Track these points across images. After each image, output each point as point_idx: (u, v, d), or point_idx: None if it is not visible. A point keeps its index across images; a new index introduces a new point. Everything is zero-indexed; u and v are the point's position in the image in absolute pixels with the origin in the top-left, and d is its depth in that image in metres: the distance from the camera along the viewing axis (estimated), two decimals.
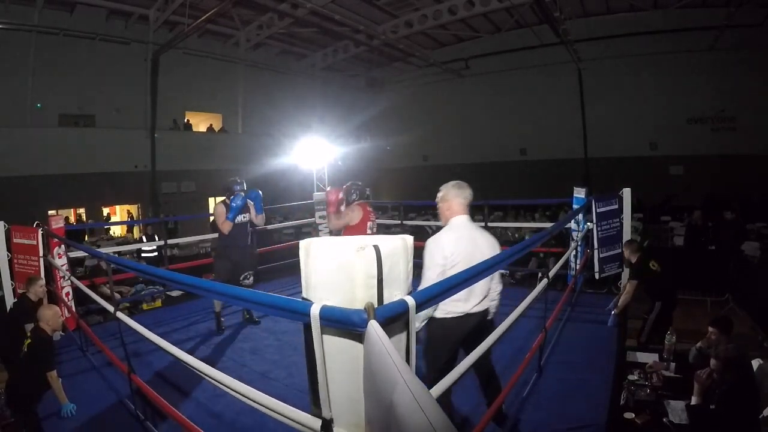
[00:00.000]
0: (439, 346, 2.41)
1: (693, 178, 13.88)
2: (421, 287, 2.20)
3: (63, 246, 4.56)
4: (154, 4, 12.14)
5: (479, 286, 2.31)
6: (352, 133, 17.68)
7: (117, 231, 13.61)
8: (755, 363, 3.04)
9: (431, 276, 2.26)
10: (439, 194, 2.49)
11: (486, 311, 2.49)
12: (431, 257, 2.31)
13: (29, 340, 3.11)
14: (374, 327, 1.05)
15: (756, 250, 7.36)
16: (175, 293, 5.92)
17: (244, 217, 4.43)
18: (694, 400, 2.79)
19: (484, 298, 2.43)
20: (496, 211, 12.45)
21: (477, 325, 2.44)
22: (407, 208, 12.70)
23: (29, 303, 3.86)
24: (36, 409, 2.95)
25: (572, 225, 5.25)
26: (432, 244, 2.33)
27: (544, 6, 10.89)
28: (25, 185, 10.90)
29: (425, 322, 2.39)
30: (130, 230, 13.58)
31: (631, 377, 3.25)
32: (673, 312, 4.46)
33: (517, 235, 8.59)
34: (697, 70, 13.53)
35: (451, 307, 2.33)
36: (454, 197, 2.42)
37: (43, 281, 4.07)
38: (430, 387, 2.16)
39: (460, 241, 2.34)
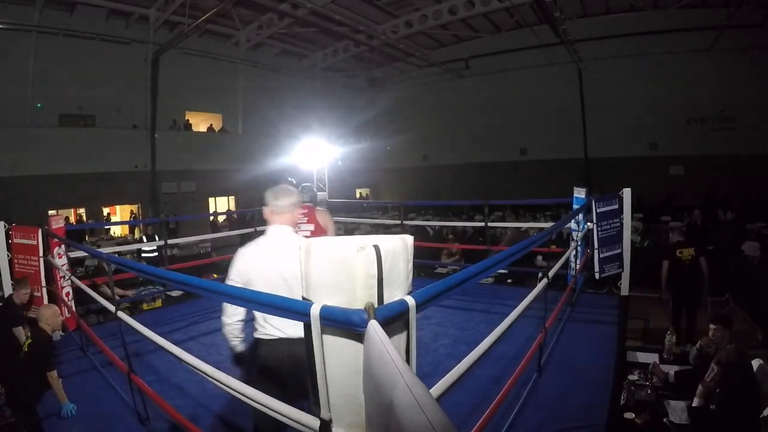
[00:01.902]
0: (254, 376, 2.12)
1: (693, 178, 13.90)
2: (224, 305, 2.13)
3: (63, 246, 4.56)
4: (154, 4, 12.15)
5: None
6: (352, 133, 17.69)
7: (117, 231, 13.61)
8: (755, 363, 3.04)
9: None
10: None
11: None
12: (229, 270, 2.10)
13: (29, 340, 3.11)
14: (374, 327, 1.05)
15: (756, 250, 7.35)
16: (175, 293, 5.91)
17: None
18: (696, 402, 2.79)
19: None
20: (496, 211, 12.46)
21: (296, 356, 1.82)
22: (407, 208, 12.69)
23: (13, 306, 3.85)
24: (36, 409, 2.95)
25: (572, 225, 5.25)
26: (236, 254, 2.12)
27: (544, 6, 10.90)
28: (25, 185, 10.90)
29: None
30: (131, 230, 13.58)
31: (631, 377, 3.25)
32: (688, 303, 5.20)
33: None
34: (697, 70, 13.55)
35: (259, 324, 2.06)
36: (269, 203, 2.16)
37: (27, 290, 4.00)
38: None
39: (257, 252, 2.08)
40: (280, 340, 2.02)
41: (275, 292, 1.57)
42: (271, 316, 1.97)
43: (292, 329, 1.93)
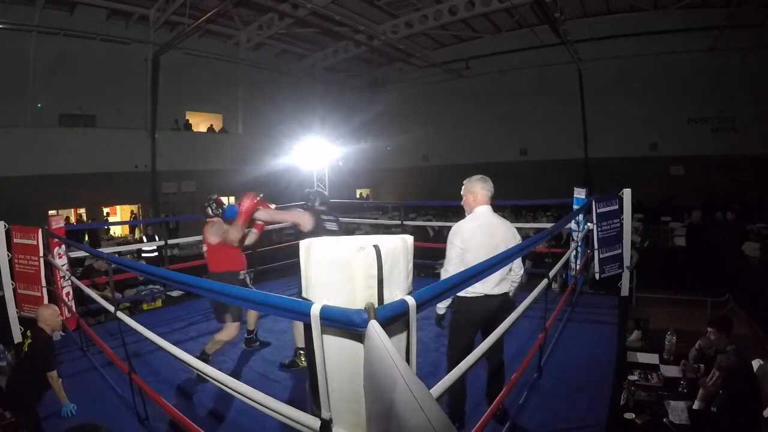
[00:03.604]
0: (462, 324, 2.67)
1: (693, 178, 13.89)
2: (444, 266, 2.66)
3: (63, 246, 4.56)
4: (155, 4, 12.15)
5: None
6: (352, 133, 17.68)
7: (117, 231, 13.61)
8: (755, 363, 3.04)
9: (450, 255, 2.61)
10: (465, 186, 2.80)
11: (506, 294, 2.70)
12: (451, 240, 2.64)
13: (29, 340, 3.11)
14: (374, 327, 1.05)
15: (756, 251, 7.35)
16: (175, 293, 5.92)
17: None
18: (697, 405, 2.79)
19: (503, 280, 2.66)
20: (496, 211, 12.43)
21: (497, 307, 2.64)
22: (407, 208, 12.69)
23: None
24: (36, 409, 2.95)
25: (572, 225, 5.25)
26: (455, 228, 2.67)
27: (544, 6, 10.89)
28: (25, 185, 10.90)
29: (448, 304, 2.66)
30: (131, 231, 13.58)
31: (631, 377, 3.25)
32: None
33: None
34: (697, 70, 13.54)
35: (470, 288, 2.48)
36: (480, 189, 2.72)
37: None
38: (453, 365, 2.49)
39: (479, 228, 2.63)
40: (487, 297, 2.60)
41: (488, 257, 2.10)
42: (491, 277, 2.45)
43: (489, 288, 2.57)
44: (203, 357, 3.56)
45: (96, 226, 12.55)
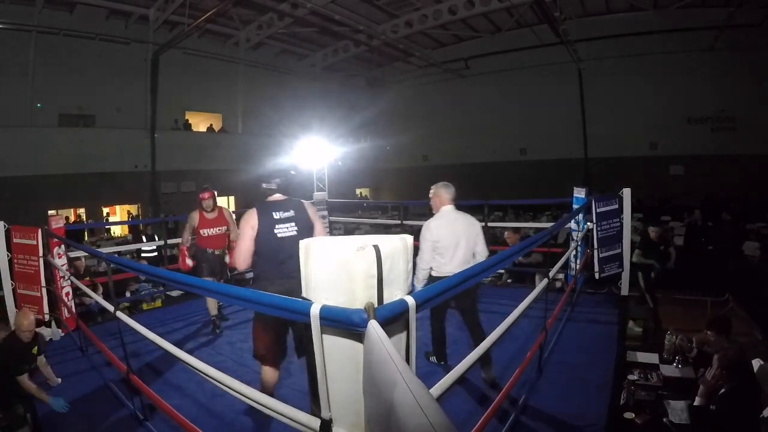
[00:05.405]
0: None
1: (693, 178, 13.90)
2: (418, 259, 3.11)
3: (63, 246, 4.56)
4: (154, 4, 12.14)
5: (460, 250, 3.21)
6: (352, 133, 17.67)
7: (117, 231, 13.61)
8: (755, 363, 3.03)
9: (423, 248, 3.22)
10: (432, 191, 3.39)
11: None
12: (423, 235, 3.25)
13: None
14: (374, 327, 1.05)
15: (756, 250, 7.35)
16: (175, 293, 5.91)
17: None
18: (698, 401, 2.78)
19: (467, 262, 3.18)
20: (496, 211, 12.44)
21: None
22: (407, 208, 12.68)
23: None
24: (36, 409, 2.96)
25: (572, 225, 5.25)
26: (425, 226, 3.29)
27: (544, 6, 10.89)
28: (25, 185, 10.90)
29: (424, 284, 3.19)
30: (131, 231, 13.58)
31: (631, 377, 3.25)
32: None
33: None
34: (697, 70, 13.55)
35: (439, 267, 3.24)
36: (444, 193, 3.32)
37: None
38: (436, 335, 3.37)
39: (442, 224, 3.25)
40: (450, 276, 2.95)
41: (456, 247, 3.17)
42: (456, 257, 3.20)
43: (455, 268, 3.05)
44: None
45: (96, 225, 12.56)
